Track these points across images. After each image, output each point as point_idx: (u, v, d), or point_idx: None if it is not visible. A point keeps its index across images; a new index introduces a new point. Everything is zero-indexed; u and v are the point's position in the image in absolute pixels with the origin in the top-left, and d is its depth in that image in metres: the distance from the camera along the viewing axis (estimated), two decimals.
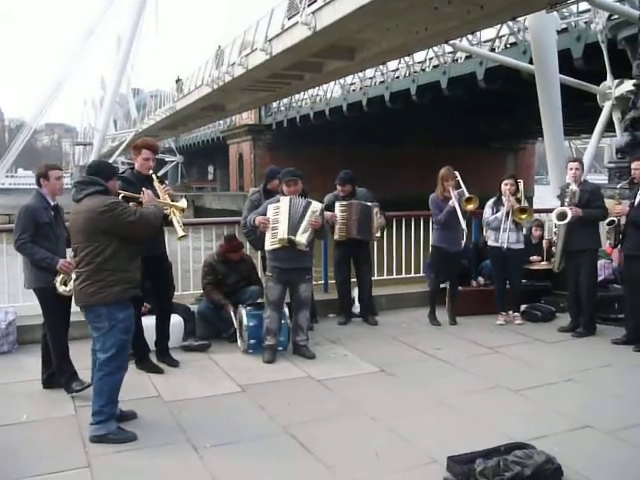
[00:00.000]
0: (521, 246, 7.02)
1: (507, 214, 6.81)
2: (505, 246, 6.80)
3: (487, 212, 7.06)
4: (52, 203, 4.85)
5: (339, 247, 7.07)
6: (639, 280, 6.10)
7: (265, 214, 5.74)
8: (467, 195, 6.84)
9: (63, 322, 4.85)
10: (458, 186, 6.92)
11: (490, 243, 7.03)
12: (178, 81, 40.29)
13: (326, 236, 6.50)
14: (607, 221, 6.32)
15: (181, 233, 4.95)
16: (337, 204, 6.82)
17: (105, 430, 4.01)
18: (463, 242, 7.32)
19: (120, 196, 4.41)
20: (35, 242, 4.72)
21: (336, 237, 6.93)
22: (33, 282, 4.86)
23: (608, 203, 6.54)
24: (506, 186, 6.87)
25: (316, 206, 5.80)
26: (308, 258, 5.86)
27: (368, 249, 7.18)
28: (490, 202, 7.08)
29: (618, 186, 6.68)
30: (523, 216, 6.82)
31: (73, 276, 4.49)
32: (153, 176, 5.14)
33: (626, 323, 6.31)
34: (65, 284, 4.67)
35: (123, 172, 5.40)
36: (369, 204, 6.86)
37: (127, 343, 4.20)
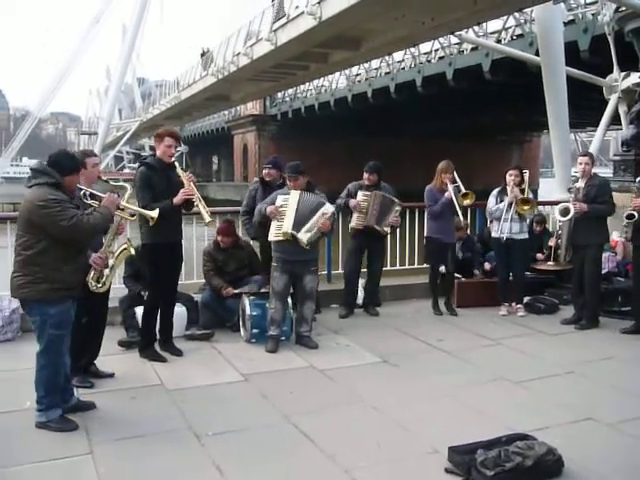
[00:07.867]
0: (525, 236, 6.99)
1: (510, 205, 6.80)
2: (505, 236, 6.81)
3: (491, 202, 7.06)
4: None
5: (355, 237, 7.05)
6: None
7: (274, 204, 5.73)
8: (463, 190, 6.85)
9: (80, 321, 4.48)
10: (454, 180, 6.93)
11: (493, 234, 7.01)
12: (204, 54, 35.30)
13: (331, 235, 6.48)
14: (626, 214, 6.14)
15: (208, 219, 5.18)
16: (360, 193, 6.86)
17: (45, 418, 4.03)
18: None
19: (88, 193, 4.27)
20: None
21: (352, 225, 6.94)
22: None
23: (622, 197, 6.39)
24: (510, 177, 6.88)
25: (328, 209, 5.75)
26: (313, 250, 5.84)
27: (383, 242, 7.19)
28: (495, 192, 7.07)
29: (637, 180, 6.50)
30: (526, 207, 6.81)
31: (106, 272, 4.40)
32: (175, 164, 5.16)
33: (635, 313, 6.31)
34: (98, 280, 4.41)
35: (145, 158, 5.37)
36: (394, 199, 6.88)
37: (59, 338, 3.98)
